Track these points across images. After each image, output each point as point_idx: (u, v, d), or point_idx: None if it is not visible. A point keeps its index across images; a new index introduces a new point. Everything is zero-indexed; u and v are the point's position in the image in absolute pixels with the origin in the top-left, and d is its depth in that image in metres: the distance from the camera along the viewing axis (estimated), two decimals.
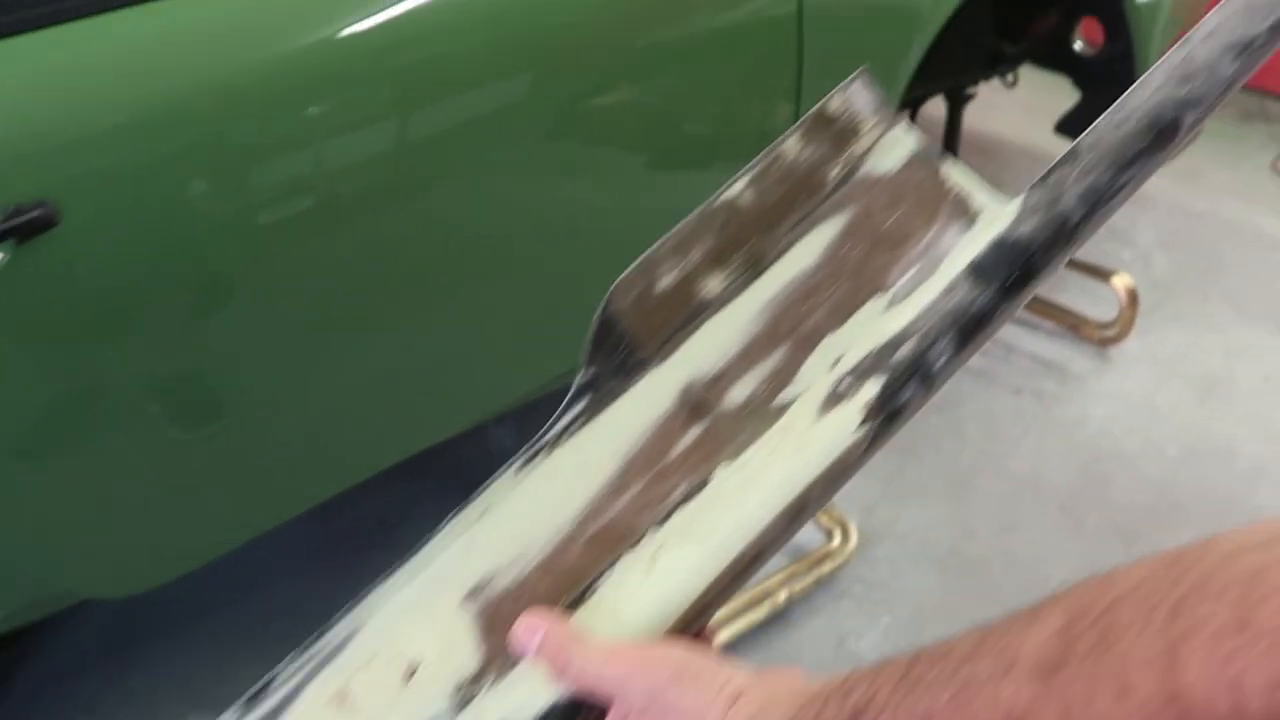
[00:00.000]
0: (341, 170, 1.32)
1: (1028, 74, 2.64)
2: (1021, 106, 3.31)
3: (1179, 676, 0.39)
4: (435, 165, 1.38)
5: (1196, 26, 0.67)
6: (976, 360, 0.79)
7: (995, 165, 3.35)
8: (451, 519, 0.64)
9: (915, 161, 0.71)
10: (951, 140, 2.76)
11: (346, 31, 1.28)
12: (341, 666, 0.60)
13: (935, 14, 1.88)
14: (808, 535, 1.98)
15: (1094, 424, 2.33)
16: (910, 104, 2.56)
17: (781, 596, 1.83)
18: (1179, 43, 0.67)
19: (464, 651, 0.60)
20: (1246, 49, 0.65)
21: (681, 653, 0.58)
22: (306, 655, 0.62)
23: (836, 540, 1.96)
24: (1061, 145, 2.41)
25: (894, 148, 0.72)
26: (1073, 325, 2.53)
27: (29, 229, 1.08)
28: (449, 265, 1.49)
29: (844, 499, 2.05)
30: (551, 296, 1.61)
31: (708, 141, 1.71)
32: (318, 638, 0.62)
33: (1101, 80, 2.56)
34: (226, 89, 1.20)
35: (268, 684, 0.61)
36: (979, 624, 0.48)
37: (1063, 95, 2.61)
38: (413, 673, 0.59)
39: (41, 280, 1.13)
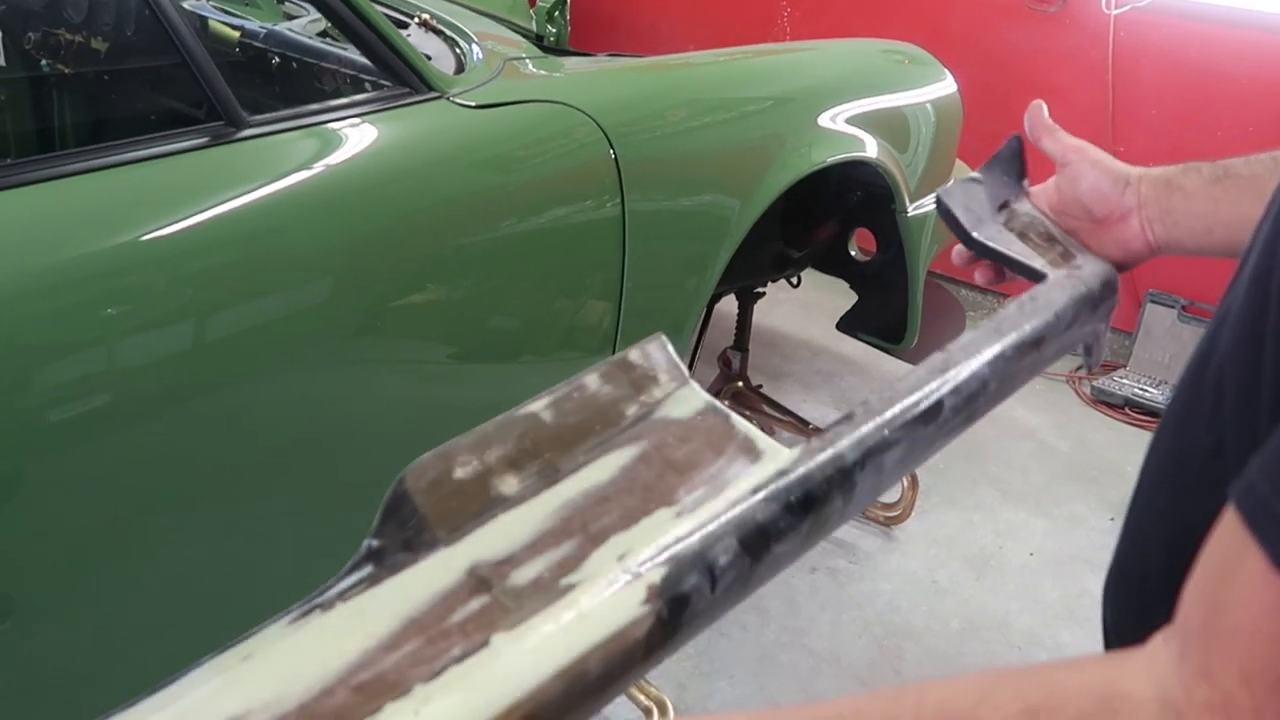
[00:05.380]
0: (141, 368, 1.29)
1: (806, 276, 2.89)
2: (801, 304, 3.60)
3: None
4: (243, 364, 1.37)
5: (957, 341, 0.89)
6: None
7: (778, 358, 3.59)
8: (209, 659, 0.61)
9: (708, 411, 0.80)
10: (742, 334, 2.97)
11: (149, 235, 1.26)
12: None
13: (740, 224, 2.07)
14: (626, 713, 2.02)
15: (883, 600, 2.49)
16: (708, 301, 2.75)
17: None
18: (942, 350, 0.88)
19: None
20: (996, 357, 0.87)
21: None
22: None
23: (655, 718, 2.01)
24: (838, 338, 2.65)
25: (687, 401, 0.81)
26: None
27: None
28: (256, 465, 1.46)
29: (659, 677, 2.11)
30: (363, 495, 1.58)
31: (540, 337, 1.80)
32: None
33: (874, 283, 2.83)
34: (24, 291, 1.18)
35: None
36: (800, 714, 0.53)
37: (838, 295, 2.86)
38: None
39: None
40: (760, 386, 3.03)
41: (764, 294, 2.94)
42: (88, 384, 1.25)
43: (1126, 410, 3.38)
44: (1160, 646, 0.50)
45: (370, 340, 1.51)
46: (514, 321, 1.75)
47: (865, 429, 0.79)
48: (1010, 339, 0.91)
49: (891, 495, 2.71)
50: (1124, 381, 3.46)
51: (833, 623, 2.41)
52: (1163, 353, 3.49)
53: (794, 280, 2.89)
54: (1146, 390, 3.40)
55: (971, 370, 0.86)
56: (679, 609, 0.67)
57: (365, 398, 1.54)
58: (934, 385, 0.84)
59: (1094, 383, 3.48)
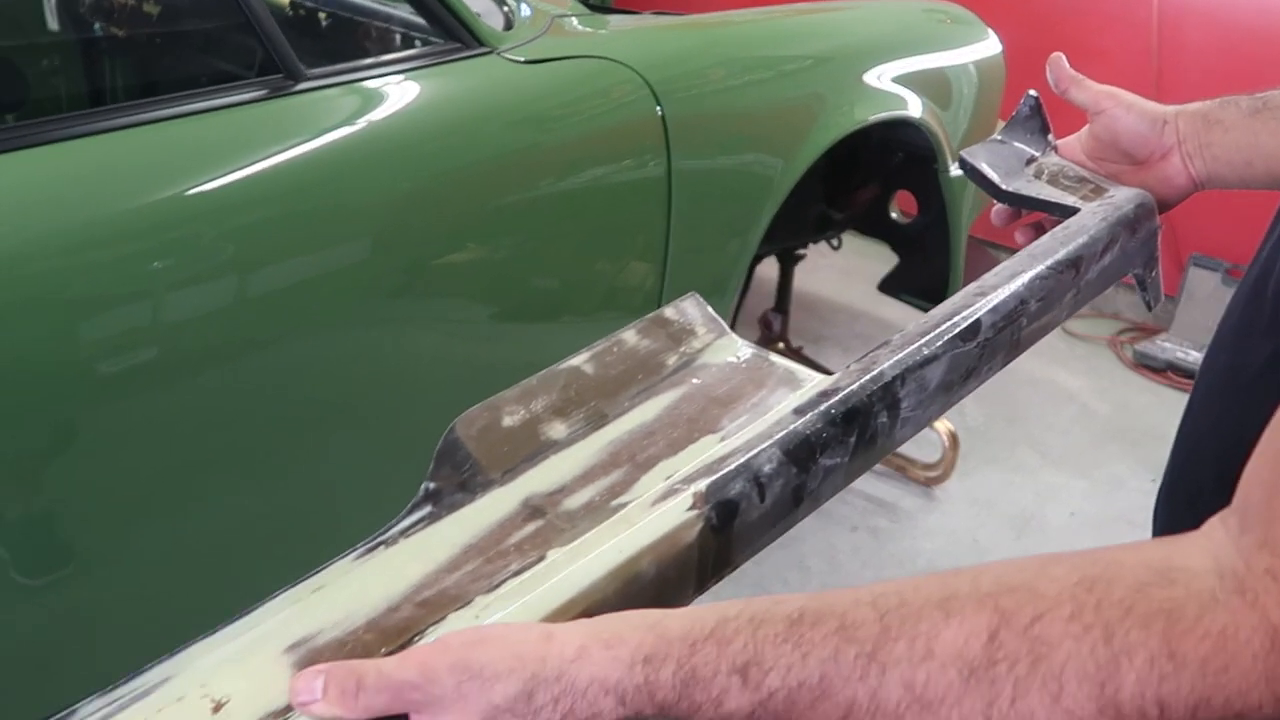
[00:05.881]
0: (185, 323, 1.30)
1: (846, 242, 2.90)
2: (840, 269, 3.61)
3: (1115, 693, 0.46)
4: (279, 321, 1.38)
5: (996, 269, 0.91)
6: None
7: (817, 321, 3.60)
8: (281, 592, 0.65)
9: (748, 354, 0.84)
10: (783, 296, 2.99)
11: (195, 189, 1.27)
12: (147, 706, 0.58)
13: (783, 183, 2.08)
14: None
15: (924, 558, 2.51)
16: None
17: None
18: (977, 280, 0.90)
19: (275, 690, 0.58)
20: (1031, 278, 0.89)
21: (473, 629, 0.57)
22: (111, 696, 0.59)
23: None
24: (877, 303, 2.67)
25: (726, 348, 0.85)
26: (900, 467, 2.73)
27: None
28: (298, 420, 1.47)
29: None
30: (403, 452, 1.54)
31: (591, 296, 1.82)
32: (125, 682, 0.60)
33: (915, 245, 2.84)
34: (71, 243, 1.19)
35: (65, 717, 0.58)
36: (857, 593, 0.53)
37: (877, 260, 2.87)
38: (220, 708, 0.57)
39: None
40: (801, 349, 3.04)
41: (805, 256, 2.95)
42: (136, 337, 1.26)
43: (1168, 374, 3.36)
44: (1217, 525, 0.51)
45: (427, 297, 1.54)
46: (571, 279, 1.77)
47: (905, 347, 0.81)
48: (1045, 261, 0.92)
49: (932, 455, 2.73)
50: (1166, 345, 3.44)
51: (874, 580, 2.42)
52: (1206, 316, 3.47)
53: (835, 243, 2.90)
54: (1189, 354, 3.38)
55: (1008, 291, 0.88)
56: (728, 515, 0.69)
57: (410, 355, 1.56)
58: (970, 306, 0.86)
59: (1135, 346, 3.47)
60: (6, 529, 1.25)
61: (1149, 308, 1.11)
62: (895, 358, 0.80)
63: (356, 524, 1.52)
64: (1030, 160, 1.13)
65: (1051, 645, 0.47)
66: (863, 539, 2.55)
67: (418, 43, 1.63)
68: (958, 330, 0.84)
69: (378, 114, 1.42)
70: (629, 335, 0.82)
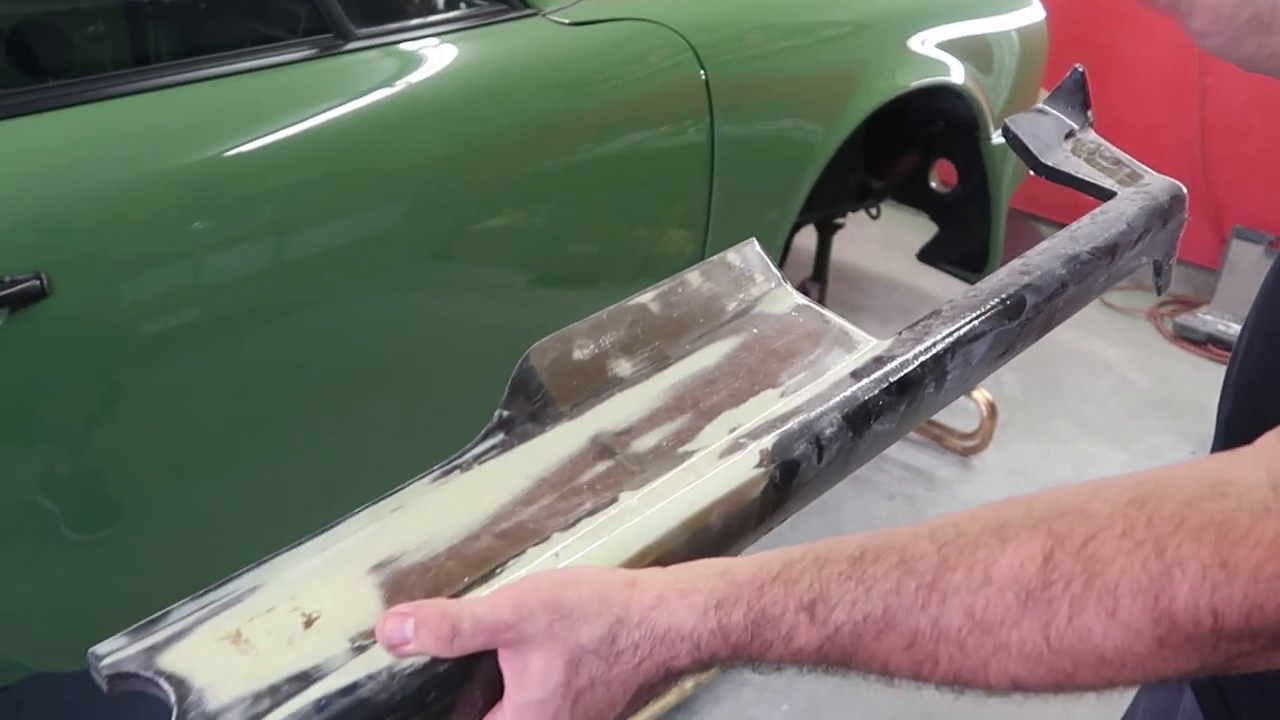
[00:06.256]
0: (229, 282, 1.31)
1: (884, 212, 2.89)
2: (878, 240, 3.60)
3: (1169, 604, 0.47)
4: (320, 281, 1.40)
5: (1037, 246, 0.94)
6: None
7: (855, 291, 3.59)
8: (362, 509, 0.67)
9: (802, 308, 0.87)
10: (821, 265, 2.98)
11: (246, 148, 1.28)
12: (239, 613, 0.60)
13: (824, 149, 2.08)
14: None
15: None
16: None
17: (689, 683, 1.91)
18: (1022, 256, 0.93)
19: (364, 610, 0.60)
20: (1072, 260, 0.93)
21: (561, 570, 0.59)
22: (203, 600, 0.61)
23: None
24: (915, 273, 2.65)
25: (782, 300, 0.88)
26: (937, 436, 2.73)
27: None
28: (336, 381, 1.49)
29: None
30: (434, 411, 1.61)
31: (638, 261, 1.83)
32: (216, 588, 0.62)
33: (955, 215, 2.82)
34: (117, 201, 1.21)
35: (159, 619, 0.60)
36: (915, 528, 0.55)
37: (915, 231, 2.86)
38: (311, 622, 0.59)
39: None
40: None
41: (843, 225, 2.94)
42: (180, 295, 1.28)
43: (1209, 347, 3.34)
44: (1274, 439, 0.52)
45: (473, 260, 1.55)
46: (612, 244, 1.78)
47: (955, 320, 0.84)
48: (1085, 245, 0.96)
49: (969, 424, 2.72)
50: (1207, 318, 3.42)
51: None
52: (1248, 289, 3.41)
53: (873, 212, 2.89)
54: (1230, 327, 3.35)
55: (1051, 272, 0.91)
56: (790, 474, 0.72)
57: (448, 317, 1.58)
58: (1016, 283, 0.89)
59: (1176, 319, 3.44)
60: (58, 485, 1.28)
61: (1158, 292, 1.14)
62: (946, 330, 0.83)
63: (391, 484, 1.55)
64: (1070, 134, 1.15)
65: (1105, 563, 0.48)
66: (899, 507, 2.56)
67: (464, 4, 1.64)
68: (1003, 307, 0.87)
69: (426, 75, 1.43)
70: (693, 276, 0.85)
